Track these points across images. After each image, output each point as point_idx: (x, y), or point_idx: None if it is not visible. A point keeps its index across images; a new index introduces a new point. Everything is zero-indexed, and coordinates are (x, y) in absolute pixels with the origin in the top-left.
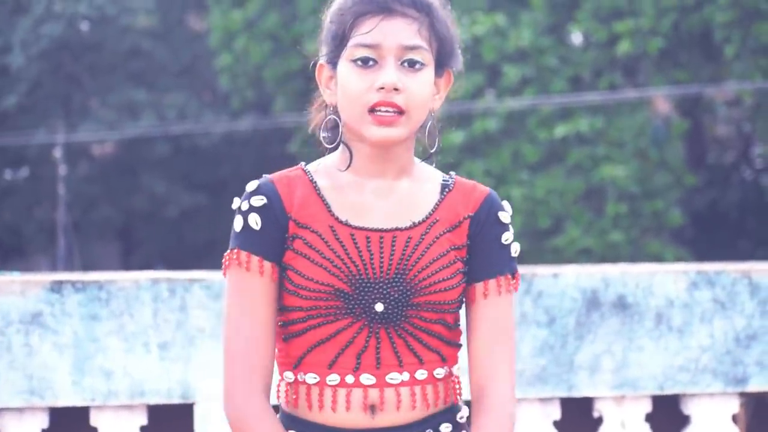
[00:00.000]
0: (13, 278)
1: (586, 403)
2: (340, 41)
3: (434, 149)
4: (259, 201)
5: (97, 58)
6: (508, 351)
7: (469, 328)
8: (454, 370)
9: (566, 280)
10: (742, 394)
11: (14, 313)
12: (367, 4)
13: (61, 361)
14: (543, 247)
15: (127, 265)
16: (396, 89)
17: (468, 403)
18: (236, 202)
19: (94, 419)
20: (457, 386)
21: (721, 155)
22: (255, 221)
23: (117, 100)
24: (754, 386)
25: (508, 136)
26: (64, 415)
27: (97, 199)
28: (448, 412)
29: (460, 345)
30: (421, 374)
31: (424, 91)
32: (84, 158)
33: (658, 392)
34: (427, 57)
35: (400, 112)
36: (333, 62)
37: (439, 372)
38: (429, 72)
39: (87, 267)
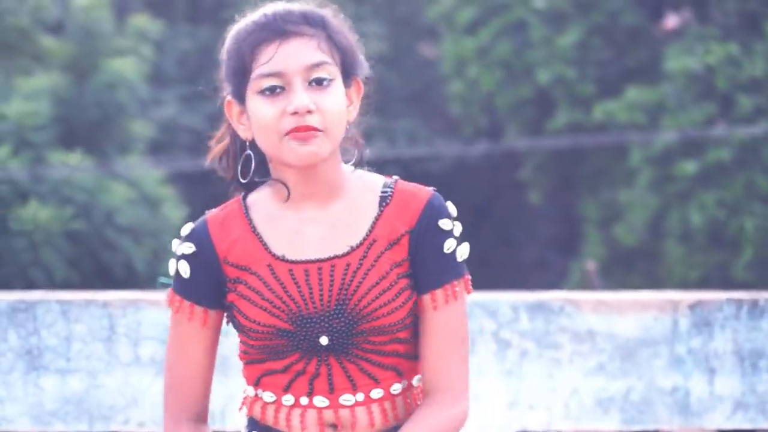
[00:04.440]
0: None
1: None
2: (242, 75)
3: (359, 161)
4: (188, 249)
5: None
6: (462, 355)
7: (421, 338)
8: (414, 381)
9: None
10: None
11: None
12: (261, 32)
13: None
14: None
15: None
16: (309, 111)
17: None
18: (174, 244)
19: None
20: (419, 397)
21: None
22: (184, 270)
23: None
24: None
25: (742, 166)
26: None
27: None
28: None
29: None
30: (376, 393)
31: (337, 106)
32: None
33: None
34: (332, 71)
35: (318, 131)
36: (240, 97)
37: (396, 387)
38: (338, 85)
39: None
